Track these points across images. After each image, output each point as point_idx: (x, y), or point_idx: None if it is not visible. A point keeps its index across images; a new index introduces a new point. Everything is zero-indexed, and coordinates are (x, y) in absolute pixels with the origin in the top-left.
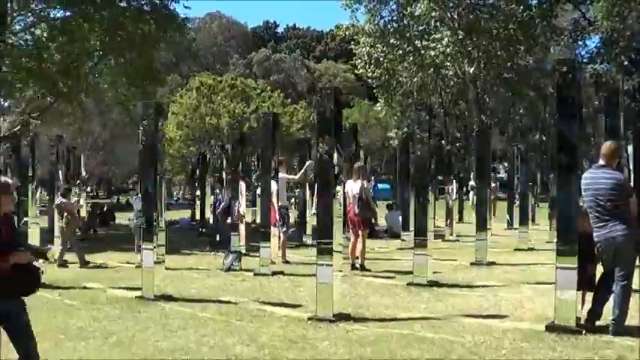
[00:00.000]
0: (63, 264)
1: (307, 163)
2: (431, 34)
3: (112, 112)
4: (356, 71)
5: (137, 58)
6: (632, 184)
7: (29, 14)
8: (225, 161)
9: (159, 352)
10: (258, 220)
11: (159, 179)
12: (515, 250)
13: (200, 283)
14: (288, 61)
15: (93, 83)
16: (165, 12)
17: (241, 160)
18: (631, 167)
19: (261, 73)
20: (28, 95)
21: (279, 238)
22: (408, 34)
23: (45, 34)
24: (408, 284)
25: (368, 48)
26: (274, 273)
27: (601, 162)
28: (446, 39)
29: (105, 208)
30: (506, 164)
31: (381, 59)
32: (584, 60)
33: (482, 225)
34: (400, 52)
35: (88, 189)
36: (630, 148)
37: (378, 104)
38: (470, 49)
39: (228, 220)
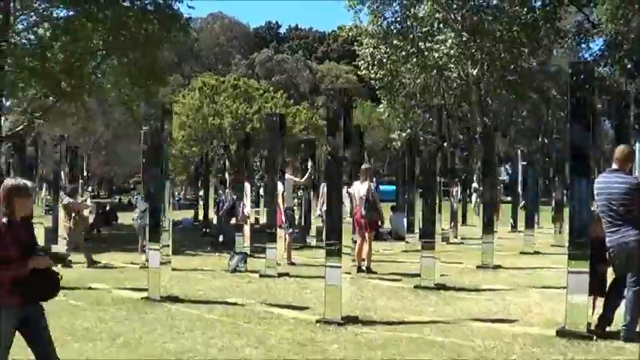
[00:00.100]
0: (67, 264)
1: (311, 165)
2: (434, 36)
3: (115, 112)
4: (359, 72)
5: (140, 58)
6: None
7: (32, 13)
8: (228, 162)
9: (167, 353)
10: (261, 221)
11: (164, 180)
12: (520, 253)
13: (206, 284)
14: (290, 62)
15: (96, 83)
16: (169, 12)
17: (244, 160)
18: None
19: (264, 73)
20: (31, 94)
21: (285, 239)
22: (411, 36)
23: (48, 34)
24: (415, 287)
25: (371, 49)
26: (280, 274)
27: (614, 166)
28: (450, 40)
29: (107, 208)
30: (507, 167)
31: (384, 60)
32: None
33: (488, 228)
34: (403, 53)
35: (89, 189)
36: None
37: (381, 105)
38: (473, 50)
39: (232, 221)
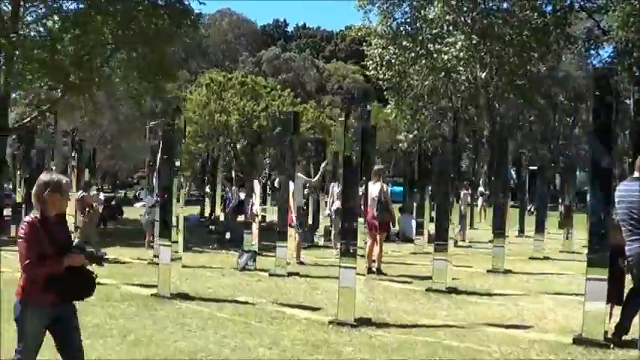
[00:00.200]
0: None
1: (323, 165)
2: (444, 38)
3: (121, 107)
4: (367, 72)
5: (149, 53)
6: None
7: (41, 5)
8: (234, 159)
9: (179, 352)
10: (267, 219)
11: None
12: (530, 258)
13: (215, 282)
14: (297, 61)
15: (105, 76)
16: (180, 7)
17: (253, 158)
18: None
19: (271, 71)
20: (37, 87)
21: (295, 238)
22: (420, 37)
23: (57, 26)
24: (426, 290)
25: (380, 49)
26: (290, 274)
27: (636, 174)
28: (459, 43)
29: (113, 202)
30: (512, 171)
31: (393, 61)
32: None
33: (499, 232)
34: (412, 54)
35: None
36: None
37: (388, 107)
38: (482, 54)
39: (240, 219)
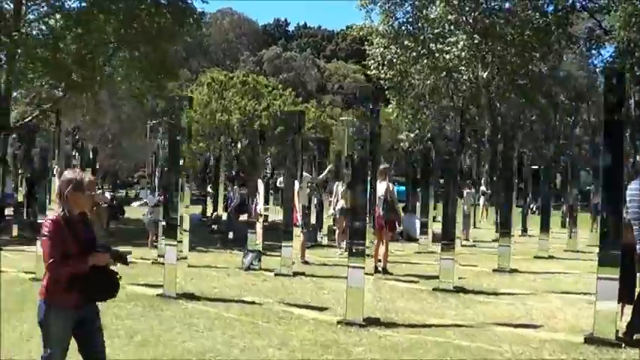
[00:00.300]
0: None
1: (329, 167)
2: (446, 37)
3: (123, 106)
4: (368, 72)
5: (152, 52)
6: None
7: (43, 4)
8: (235, 159)
9: (187, 353)
10: (269, 219)
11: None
12: (535, 257)
13: (221, 282)
14: (298, 60)
15: (107, 75)
16: (183, 5)
17: (256, 157)
18: None
19: (271, 70)
20: (38, 85)
21: (300, 238)
22: (422, 37)
23: (59, 24)
24: (433, 289)
25: (381, 49)
26: (295, 273)
27: None
28: (461, 43)
29: (114, 202)
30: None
31: (394, 61)
32: (599, 69)
33: (504, 231)
34: (414, 54)
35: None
36: None
37: (390, 106)
38: (484, 53)
39: (242, 218)
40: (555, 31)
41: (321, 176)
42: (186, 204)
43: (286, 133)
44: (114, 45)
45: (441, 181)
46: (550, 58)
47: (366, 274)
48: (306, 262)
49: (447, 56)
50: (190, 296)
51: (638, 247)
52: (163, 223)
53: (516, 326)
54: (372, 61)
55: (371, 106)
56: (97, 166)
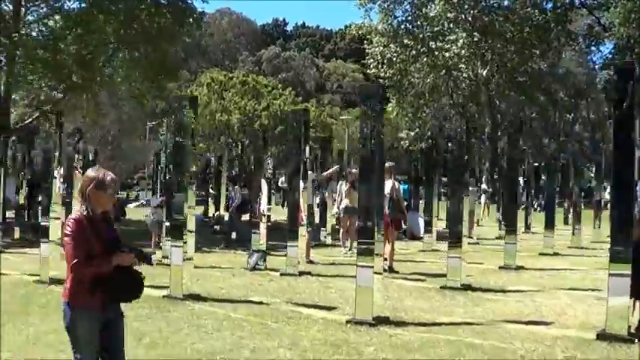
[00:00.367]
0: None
1: (335, 167)
2: (445, 36)
3: (123, 107)
4: (368, 71)
5: (152, 52)
6: None
7: (42, 5)
8: (236, 158)
9: (197, 354)
10: (272, 219)
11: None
12: (540, 254)
13: (227, 283)
14: (297, 60)
15: (107, 76)
16: (183, 5)
17: (260, 157)
18: None
19: (270, 70)
20: (37, 87)
21: (305, 237)
22: (421, 35)
23: (59, 25)
24: (441, 287)
25: (381, 48)
26: (301, 273)
27: None
28: (461, 40)
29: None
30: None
31: (394, 59)
32: (598, 66)
33: (510, 229)
34: (414, 52)
35: None
36: None
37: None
38: (484, 51)
39: (245, 218)
40: (554, 28)
41: (325, 173)
42: (190, 204)
43: (286, 133)
44: (114, 46)
45: (444, 179)
46: (549, 55)
47: (375, 273)
48: (311, 262)
49: (447, 54)
50: (197, 297)
51: None
52: (167, 223)
53: (527, 323)
54: (372, 60)
55: (377, 104)
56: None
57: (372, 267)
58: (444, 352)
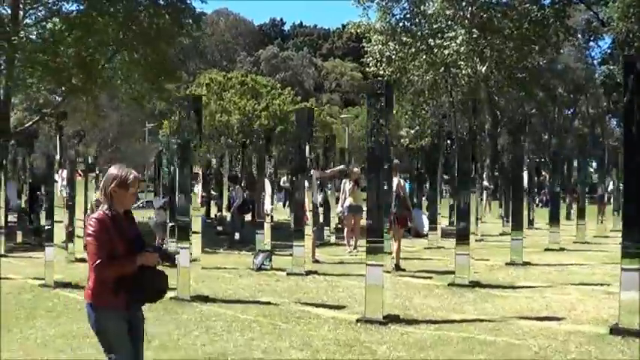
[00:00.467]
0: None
1: (341, 167)
2: (444, 33)
3: (123, 109)
4: (367, 69)
5: (151, 53)
6: None
7: (41, 8)
8: (237, 158)
9: (208, 356)
10: (274, 218)
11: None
12: (545, 250)
13: (234, 283)
14: (295, 59)
15: (107, 78)
16: (182, 6)
17: (263, 157)
18: None
19: (269, 70)
20: (36, 90)
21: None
22: (419, 33)
23: (58, 28)
24: (449, 284)
25: (380, 46)
26: (307, 273)
27: None
28: (460, 37)
29: None
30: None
31: (393, 57)
32: (597, 61)
33: (517, 224)
34: (412, 50)
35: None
36: None
37: None
38: (483, 48)
39: (247, 218)
40: (553, 24)
41: (328, 171)
42: (195, 206)
43: (286, 132)
44: (113, 47)
45: (445, 176)
46: (548, 51)
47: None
48: (317, 261)
49: (446, 52)
50: (205, 298)
51: None
52: (170, 224)
53: (539, 319)
54: (371, 58)
55: (384, 101)
56: (98, 171)
57: (382, 265)
58: (457, 349)
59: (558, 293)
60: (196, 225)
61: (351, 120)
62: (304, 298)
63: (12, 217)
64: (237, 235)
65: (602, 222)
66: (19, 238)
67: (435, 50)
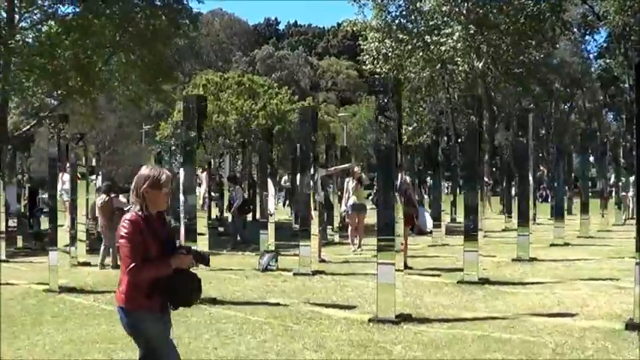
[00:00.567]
0: (116, 266)
1: (346, 165)
2: (441, 29)
3: (120, 111)
4: (363, 67)
5: (148, 55)
6: None
7: (36, 11)
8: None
9: (221, 359)
10: (275, 218)
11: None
12: (551, 245)
13: (241, 285)
14: (291, 58)
15: (104, 80)
16: (179, 7)
17: (267, 157)
18: None
19: (264, 70)
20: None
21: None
22: (415, 30)
23: (54, 31)
24: (458, 282)
25: (376, 43)
26: (314, 272)
27: None
28: (456, 34)
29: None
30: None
31: (389, 54)
32: (593, 55)
33: (523, 220)
34: (409, 47)
35: None
36: None
37: None
38: (479, 44)
39: (248, 218)
40: (549, 18)
41: (330, 169)
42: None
43: (283, 132)
44: (110, 49)
45: (446, 173)
46: (545, 45)
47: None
48: (323, 261)
49: (442, 48)
50: (213, 300)
51: None
52: (172, 226)
53: (552, 315)
54: (367, 56)
55: (392, 97)
56: (99, 174)
57: (394, 264)
58: (473, 348)
59: (568, 289)
60: (201, 226)
61: (349, 118)
62: (313, 299)
63: (12, 222)
64: (239, 237)
65: (603, 216)
66: (20, 243)
67: (432, 47)
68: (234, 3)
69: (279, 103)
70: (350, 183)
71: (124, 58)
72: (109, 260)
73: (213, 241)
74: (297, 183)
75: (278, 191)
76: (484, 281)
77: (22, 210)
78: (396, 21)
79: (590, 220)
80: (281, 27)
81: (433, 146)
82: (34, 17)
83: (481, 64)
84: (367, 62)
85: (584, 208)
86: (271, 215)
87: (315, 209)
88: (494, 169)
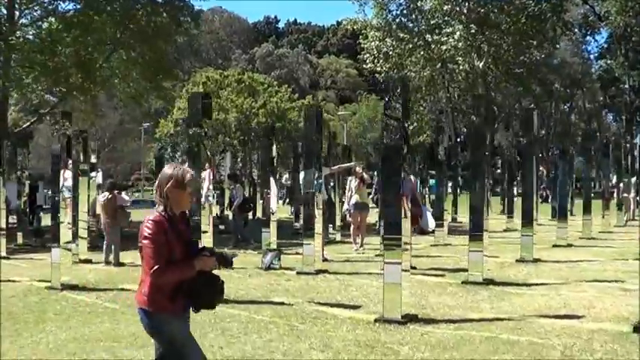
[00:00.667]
0: (117, 263)
1: (350, 164)
2: (442, 28)
3: (120, 108)
4: (364, 66)
5: (149, 52)
6: None
7: (36, 7)
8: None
9: (227, 359)
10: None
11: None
12: (553, 246)
13: (244, 283)
14: (291, 56)
15: (105, 77)
16: (180, 3)
17: (269, 155)
18: None
19: (264, 68)
20: (31, 90)
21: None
22: (416, 29)
23: (55, 27)
24: (462, 282)
25: (377, 42)
26: (318, 272)
27: None
28: (457, 33)
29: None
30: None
31: (390, 53)
32: (593, 56)
33: (527, 221)
34: (409, 46)
35: None
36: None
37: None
38: (480, 43)
39: (249, 217)
40: (550, 19)
41: (333, 167)
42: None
43: (283, 130)
44: (111, 46)
45: (448, 173)
46: (545, 45)
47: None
48: (326, 260)
49: (443, 47)
50: None
51: None
52: None
53: (559, 317)
54: (368, 55)
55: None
56: (99, 171)
57: (400, 263)
58: (481, 349)
59: (574, 290)
60: (203, 225)
61: (349, 117)
62: (318, 298)
63: (12, 219)
64: (238, 235)
65: (604, 217)
66: (20, 240)
67: (432, 46)
68: (234, 1)
69: (279, 101)
70: (352, 182)
71: (124, 55)
72: (111, 257)
73: (214, 240)
74: (299, 181)
75: (279, 189)
76: (489, 282)
77: (22, 207)
78: (397, 20)
79: (592, 221)
80: (281, 25)
81: (434, 145)
82: (35, 14)
83: (482, 63)
84: (367, 61)
85: (587, 209)
86: (273, 214)
87: (318, 208)
88: (493, 168)
